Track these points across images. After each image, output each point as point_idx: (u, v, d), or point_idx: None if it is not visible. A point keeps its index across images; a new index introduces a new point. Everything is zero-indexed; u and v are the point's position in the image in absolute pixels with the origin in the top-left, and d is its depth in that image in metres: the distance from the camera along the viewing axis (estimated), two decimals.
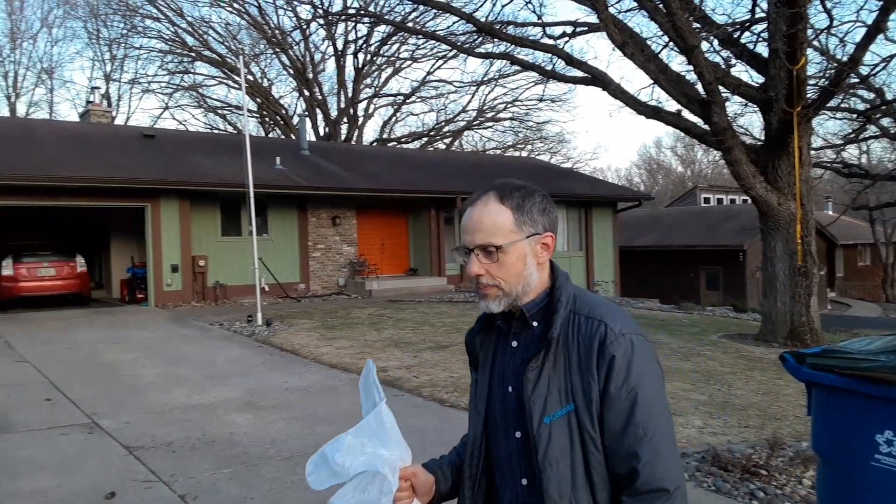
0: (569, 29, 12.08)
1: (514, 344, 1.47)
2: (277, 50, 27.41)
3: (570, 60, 10.76)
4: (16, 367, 8.32)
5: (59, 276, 14.62)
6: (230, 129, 32.54)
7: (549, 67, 12.47)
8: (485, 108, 33.05)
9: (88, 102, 20.23)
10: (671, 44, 10.28)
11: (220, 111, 31.57)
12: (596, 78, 10.67)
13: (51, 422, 5.86)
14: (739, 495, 4.02)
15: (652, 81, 10.06)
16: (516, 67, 27.53)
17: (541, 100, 29.24)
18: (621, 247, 22.92)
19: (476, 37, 13.75)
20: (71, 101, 56.20)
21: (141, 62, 32.71)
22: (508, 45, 12.80)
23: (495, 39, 12.13)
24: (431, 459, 1.62)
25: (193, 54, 27.05)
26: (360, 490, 1.36)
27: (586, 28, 11.95)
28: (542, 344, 1.41)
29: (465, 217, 1.48)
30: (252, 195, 12.12)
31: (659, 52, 10.72)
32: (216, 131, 31.12)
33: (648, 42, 10.82)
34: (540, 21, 12.60)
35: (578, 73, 11.01)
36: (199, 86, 29.68)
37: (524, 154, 35.35)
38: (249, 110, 31.93)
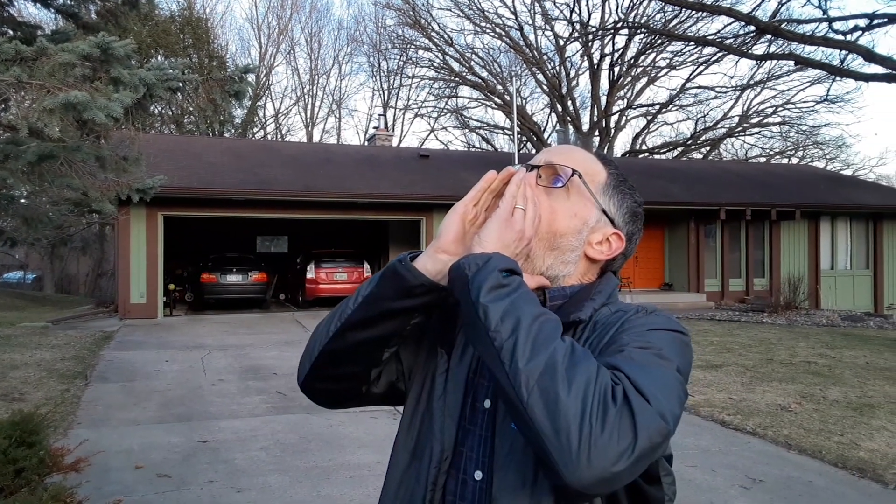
0: (862, 22, 10.88)
1: None
2: (535, 69, 28.42)
3: (871, 56, 9.67)
4: None
5: (350, 280, 16.76)
6: (485, 146, 34.44)
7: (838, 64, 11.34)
8: (749, 112, 30.75)
9: (375, 128, 22.90)
10: None
11: (478, 130, 33.60)
12: None
13: (364, 406, 6.80)
14: None
15: None
16: (788, 67, 25.36)
17: (824, 100, 26.25)
18: None
19: (747, 38, 13.00)
20: (354, 127, 63.96)
21: (413, 90, 36.10)
22: (787, 43, 11.89)
23: (776, 39, 11.34)
24: None
25: (458, 79, 29.19)
26: None
27: (886, 20, 10.66)
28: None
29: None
30: None
31: None
32: (473, 149, 33.17)
33: None
34: (826, 16, 11.54)
35: (879, 70, 9.85)
36: (462, 108, 31.93)
37: (794, 161, 32.15)
38: (502, 128, 33.55)
